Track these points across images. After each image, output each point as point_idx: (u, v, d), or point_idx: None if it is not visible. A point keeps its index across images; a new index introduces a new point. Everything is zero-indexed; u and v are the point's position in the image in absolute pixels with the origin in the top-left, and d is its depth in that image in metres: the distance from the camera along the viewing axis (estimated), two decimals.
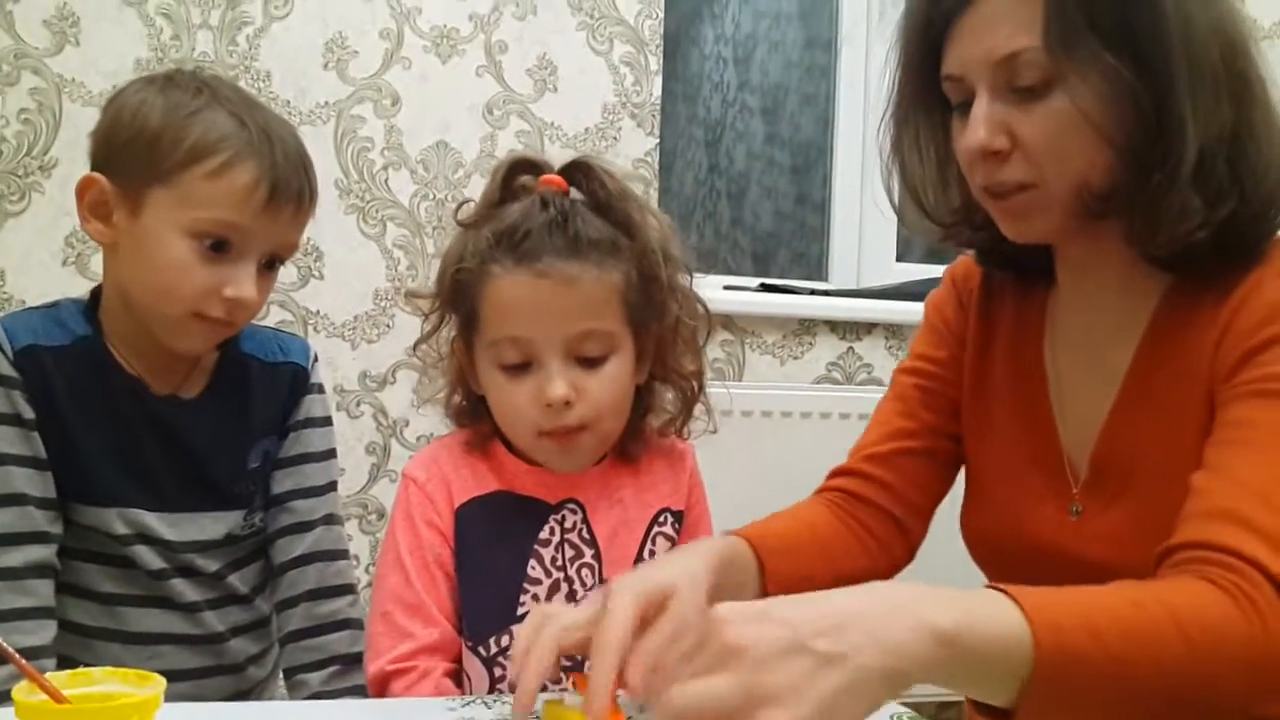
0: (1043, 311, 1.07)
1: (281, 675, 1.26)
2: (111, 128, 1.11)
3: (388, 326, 2.04)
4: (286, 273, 1.93)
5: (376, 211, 2.06)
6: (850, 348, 2.34)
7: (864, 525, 1.10)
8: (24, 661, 0.75)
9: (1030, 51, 0.90)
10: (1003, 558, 1.07)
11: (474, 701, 0.94)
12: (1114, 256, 0.98)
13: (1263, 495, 0.82)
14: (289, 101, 1.99)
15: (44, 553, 1.11)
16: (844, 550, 1.08)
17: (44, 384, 1.11)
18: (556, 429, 1.05)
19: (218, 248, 1.08)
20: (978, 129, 0.93)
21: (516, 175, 1.08)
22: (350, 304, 2.04)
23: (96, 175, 1.11)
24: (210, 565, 1.18)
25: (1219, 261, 0.93)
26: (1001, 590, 0.72)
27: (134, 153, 1.09)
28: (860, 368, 2.34)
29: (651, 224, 1.09)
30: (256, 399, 1.21)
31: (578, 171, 1.08)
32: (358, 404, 2.05)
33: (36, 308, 1.17)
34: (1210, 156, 0.90)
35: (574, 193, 1.08)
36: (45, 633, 1.09)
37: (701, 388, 1.15)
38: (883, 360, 2.34)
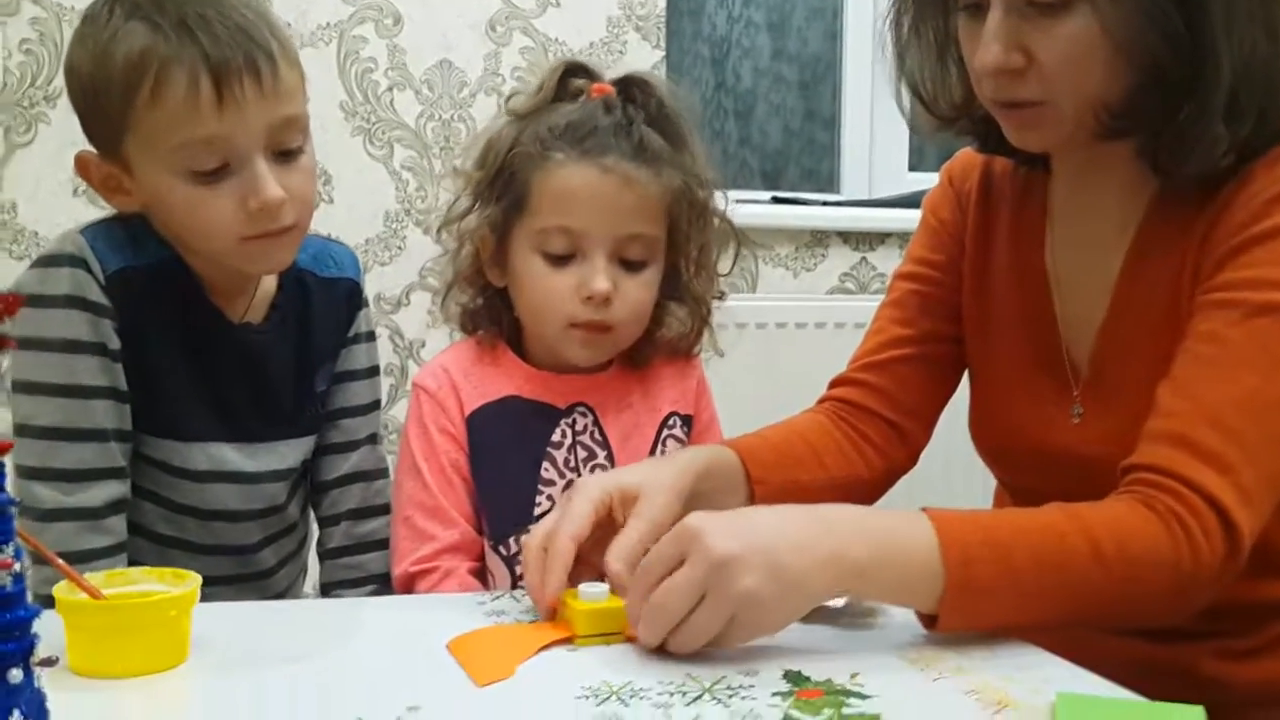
0: (1043, 211, 1.05)
1: (318, 589, 1.26)
2: (69, 98, 1.05)
3: (399, 248, 2.03)
4: None
5: (383, 133, 2.05)
6: (864, 258, 2.34)
7: (861, 433, 1.11)
8: (61, 561, 0.76)
9: None
10: (1010, 459, 1.08)
11: (502, 595, 0.95)
12: (1115, 158, 0.96)
13: (1216, 419, 0.84)
14: (290, 24, 1.96)
15: (122, 489, 1.07)
16: (838, 456, 1.09)
17: (134, 311, 1.05)
18: (590, 322, 1.06)
19: (213, 173, 1.00)
20: (992, 45, 0.89)
21: (570, 78, 1.10)
22: (361, 227, 2.03)
23: (85, 154, 1.05)
24: (281, 495, 1.15)
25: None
26: (928, 516, 0.80)
27: (91, 114, 1.03)
28: (874, 277, 2.33)
29: (699, 147, 1.11)
30: (318, 320, 1.16)
31: (633, 86, 1.10)
32: None
33: (109, 222, 1.08)
34: (1240, 84, 0.87)
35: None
36: (119, 568, 1.06)
37: (711, 311, 1.16)
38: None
